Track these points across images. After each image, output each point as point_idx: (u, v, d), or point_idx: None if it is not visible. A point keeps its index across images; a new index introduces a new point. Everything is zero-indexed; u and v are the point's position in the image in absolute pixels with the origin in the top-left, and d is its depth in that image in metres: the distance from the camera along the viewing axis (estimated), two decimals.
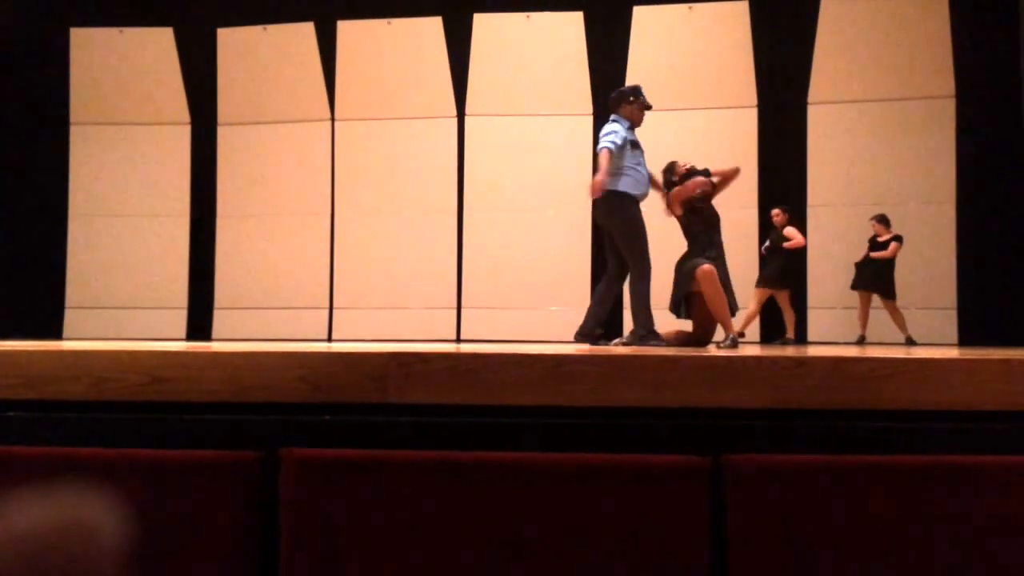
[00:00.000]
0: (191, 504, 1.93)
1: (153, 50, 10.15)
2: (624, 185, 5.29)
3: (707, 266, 4.96)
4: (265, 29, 10.11)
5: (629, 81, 9.01)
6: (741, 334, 8.67)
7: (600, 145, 5.41)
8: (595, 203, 5.53)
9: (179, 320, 10.15)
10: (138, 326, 9.75)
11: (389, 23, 9.95)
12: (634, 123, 5.50)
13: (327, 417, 2.07)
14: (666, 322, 5.52)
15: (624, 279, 5.43)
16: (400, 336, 9.00)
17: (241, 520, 1.93)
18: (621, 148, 5.31)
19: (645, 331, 5.17)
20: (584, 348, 4.73)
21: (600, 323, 5.44)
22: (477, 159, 9.89)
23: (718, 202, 5.66)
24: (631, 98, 5.51)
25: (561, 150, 9.72)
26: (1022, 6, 8.40)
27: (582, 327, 5.43)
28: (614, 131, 5.41)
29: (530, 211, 9.72)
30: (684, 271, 5.12)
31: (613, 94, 5.69)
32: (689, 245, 5.30)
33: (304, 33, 10.02)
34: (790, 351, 4.52)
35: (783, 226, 8.90)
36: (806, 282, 9.23)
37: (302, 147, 10.17)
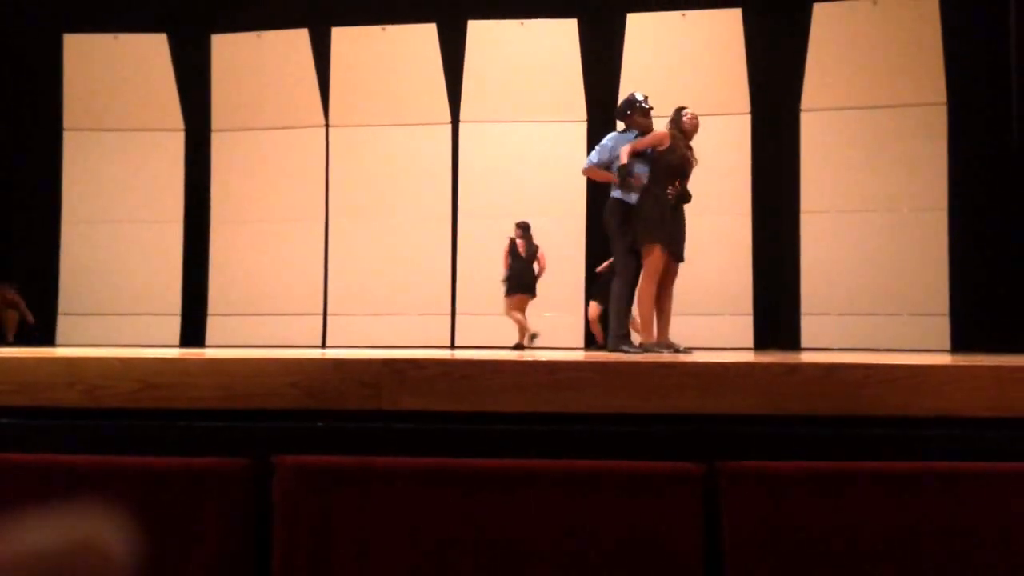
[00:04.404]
0: (184, 511, 1.92)
1: (147, 56, 10.15)
2: (629, 194, 5.29)
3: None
4: (259, 36, 10.11)
5: (623, 88, 9.06)
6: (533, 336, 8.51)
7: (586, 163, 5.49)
8: (604, 206, 5.54)
9: (172, 326, 10.13)
10: (131, 333, 9.73)
11: (383, 30, 9.96)
12: (643, 130, 5.47)
13: (321, 424, 2.07)
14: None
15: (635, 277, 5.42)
16: (394, 342, 8.99)
17: (234, 527, 1.92)
18: (605, 164, 5.36)
19: (619, 336, 5.20)
20: (578, 355, 4.73)
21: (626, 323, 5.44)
22: (471, 165, 9.90)
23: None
24: (627, 112, 5.52)
25: (555, 156, 9.73)
26: (1013, 14, 8.46)
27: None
28: (601, 146, 5.45)
29: (524, 217, 9.71)
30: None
31: (619, 106, 5.71)
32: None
33: (298, 39, 10.02)
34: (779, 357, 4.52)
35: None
36: (799, 288, 9.25)
37: (296, 153, 10.17)
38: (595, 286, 8.84)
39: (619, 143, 5.37)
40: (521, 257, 8.52)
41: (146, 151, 10.26)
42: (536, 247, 8.60)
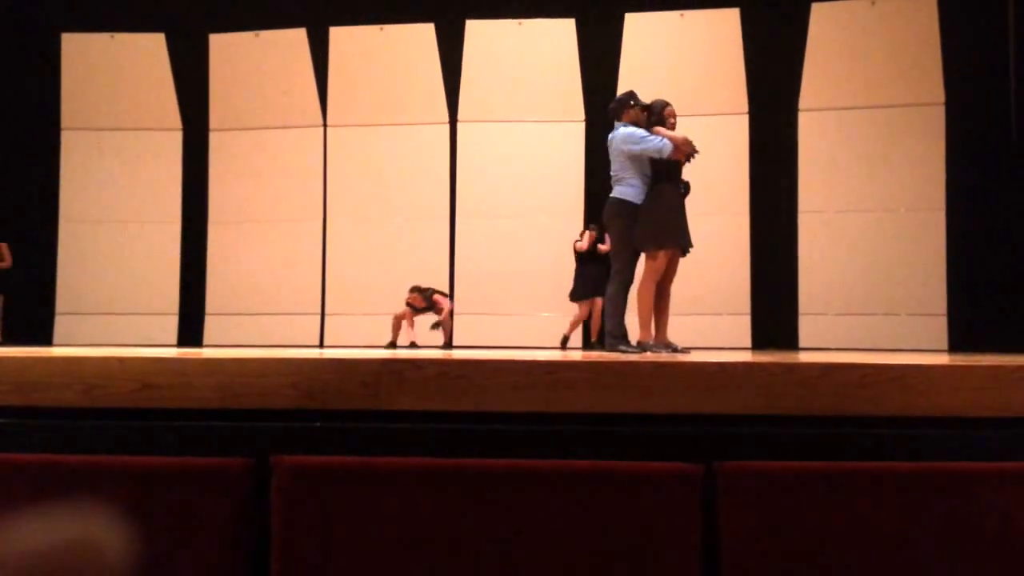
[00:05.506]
0: (182, 511, 1.92)
1: (145, 55, 10.14)
2: (629, 194, 5.27)
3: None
4: (257, 35, 10.10)
5: (621, 88, 9.03)
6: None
7: (661, 151, 5.22)
8: (604, 206, 5.49)
9: (170, 326, 10.12)
10: (129, 332, 9.72)
11: (381, 29, 9.96)
12: (638, 127, 5.45)
13: (319, 424, 2.07)
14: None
15: (631, 278, 5.39)
16: None
17: (232, 528, 1.92)
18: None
19: (616, 336, 5.20)
20: (577, 355, 4.73)
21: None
22: (469, 165, 9.90)
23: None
24: (631, 103, 5.48)
25: (553, 156, 9.74)
26: (1011, 14, 8.47)
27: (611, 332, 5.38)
28: (641, 132, 5.28)
29: (522, 217, 9.73)
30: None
31: (613, 104, 5.66)
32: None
33: (296, 39, 10.02)
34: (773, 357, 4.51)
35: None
36: (797, 288, 9.26)
37: (294, 153, 10.16)
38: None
39: (630, 136, 5.31)
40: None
41: (144, 150, 10.26)
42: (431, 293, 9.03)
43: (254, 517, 1.93)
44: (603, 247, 8.18)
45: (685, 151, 5.19)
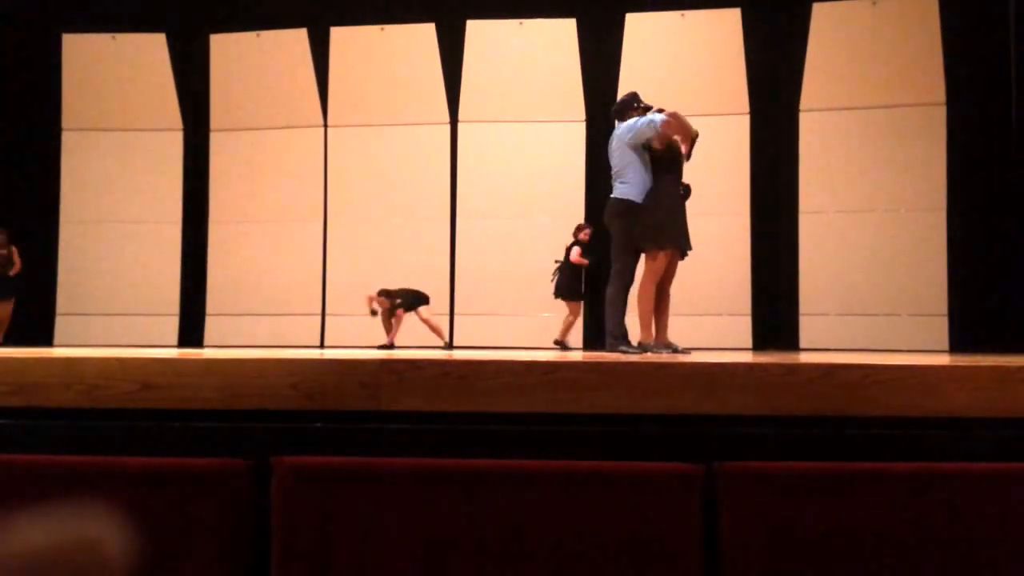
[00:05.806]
0: (182, 512, 1.92)
1: (146, 56, 10.14)
2: (630, 193, 5.27)
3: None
4: (258, 35, 10.10)
5: (622, 88, 9.04)
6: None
7: (653, 122, 5.20)
8: (605, 206, 5.48)
9: (171, 327, 10.12)
10: (129, 333, 9.72)
11: (382, 29, 9.95)
12: None
13: (319, 424, 2.07)
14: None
15: (632, 279, 5.38)
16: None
17: (233, 528, 1.92)
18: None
19: (616, 337, 5.20)
20: (577, 355, 4.73)
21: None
22: (470, 165, 9.90)
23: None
24: (635, 104, 5.50)
25: (554, 157, 9.73)
26: (1012, 14, 8.46)
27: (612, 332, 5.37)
28: (641, 119, 5.29)
29: (523, 218, 9.73)
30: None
31: (616, 106, 5.67)
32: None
33: (297, 39, 10.02)
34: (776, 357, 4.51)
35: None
36: (798, 289, 9.25)
37: (295, 153, 10.16)
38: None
39: (628, 126, 5.31)
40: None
41: (145, 151, 10.25)
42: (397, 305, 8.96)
43: (254, 518, 1.93)
44: (584, 259, 8.30)
45: (684, 129, 5.16)
